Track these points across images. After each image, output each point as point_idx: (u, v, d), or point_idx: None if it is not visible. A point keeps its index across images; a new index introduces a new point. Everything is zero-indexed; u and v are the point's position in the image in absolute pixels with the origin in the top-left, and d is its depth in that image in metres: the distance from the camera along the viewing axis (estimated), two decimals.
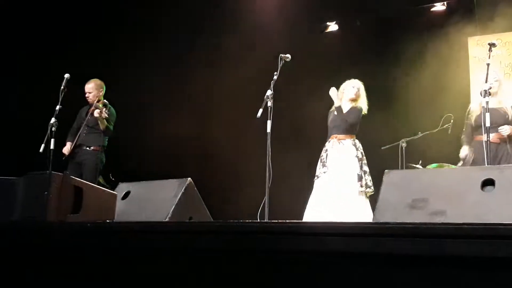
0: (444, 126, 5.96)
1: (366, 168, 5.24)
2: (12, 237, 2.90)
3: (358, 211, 5.04)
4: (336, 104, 5.39)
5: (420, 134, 6.23)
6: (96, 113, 5.80)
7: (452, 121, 5.88)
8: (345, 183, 5.13)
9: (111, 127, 5.96)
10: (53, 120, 5.28)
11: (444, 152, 5.66)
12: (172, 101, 7.71)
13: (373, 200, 4.97)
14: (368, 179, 5.20)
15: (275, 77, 4.57)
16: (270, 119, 4.45)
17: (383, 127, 6.55)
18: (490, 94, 4.51)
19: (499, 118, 4.80)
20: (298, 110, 6.94)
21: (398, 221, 2.36)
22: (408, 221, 2.24)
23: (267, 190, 4.30)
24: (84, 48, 7.41)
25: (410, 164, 5.96)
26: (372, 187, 5.16)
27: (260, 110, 4.42)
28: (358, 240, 2.09)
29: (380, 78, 6.91)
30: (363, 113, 5.43)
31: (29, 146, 5.42)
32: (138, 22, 7.68)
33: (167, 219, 3.58)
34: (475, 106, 5.09)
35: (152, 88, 7.85)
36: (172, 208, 3.65)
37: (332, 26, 7.88)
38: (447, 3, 7.20)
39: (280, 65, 4.64)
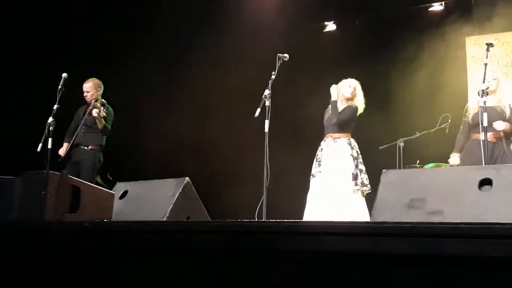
0: (442, 126, 5.97)
1: (362, 166, 5.23)
2: (9, 236, 2.90)
3: (354, 210, 5.04)
4: (333, 98, 5.38)
5: (418, 134, 6.23)
6: (94, 112, 5.79)
7: (449, 121, 5.89)
8: (340, 182, 5.13)
9: (109, 126, 5.95)
10: (50, 119, 5.27)
11: (442, 152, 5.65)
12: (170, 100, 7.71)
13: (370, 199, 4.97)
14: (364, 177, 5.19)
15: (273, 77, 4.56)
16: (268, 119, 4.45)
17: (381, 126, 6.55)
18: (487, 94, 4.52)
19: (496, 117, 4.81)
20: (297, 109, 6.94)
21: (395, 221, 2.36)
22: (405, 221, 2.24)
23: (265, 189, 4.30)
24: (84, 48, 7.41)
25: (412, 165, 5.97)
26: (369, 186, 5.16)
27: (258, 110, 4.42)
28: (355, 240, 2.09)
29: (378, 78, 6.92)
30: (359, 112, 5.43)
31: (29, 146, 5.41)
32: (137, 21, 7.67)
33: (165, 219, 3.58)
34: (473, 104, 5.10)
35: (151, 88, 7.85)
36: (170, 208, 3.65)
37: (330, 26, 7.89)
38: (445, 3, 7.21)
39: (278, 64, 4.64)
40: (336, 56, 7.40)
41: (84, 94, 6.08)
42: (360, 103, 5.43)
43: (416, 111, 6.57)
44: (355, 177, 5.14)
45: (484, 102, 4.43)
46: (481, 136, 4.76)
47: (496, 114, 4.81)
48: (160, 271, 2.52)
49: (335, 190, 5.11)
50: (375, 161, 5.56)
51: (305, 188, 5.39)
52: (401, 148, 6.16)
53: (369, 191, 5.15)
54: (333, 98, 5.38)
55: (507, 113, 4.92)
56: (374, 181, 2.89)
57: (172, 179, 3.90)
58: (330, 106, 5.47)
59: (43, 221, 2.95)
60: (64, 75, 5.42)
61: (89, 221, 3.04)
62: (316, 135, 5.68)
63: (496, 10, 6.54)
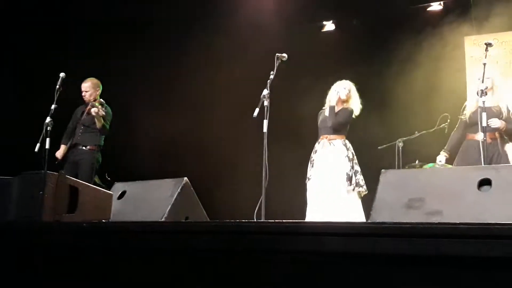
0: (441, 126, 5.96)
1: (357, 167, 5.24)
2: (7, 237, 2.89)
3: (349, 210, 5.06)
4: (331, 103, 5.38)
5: (416, 134, 6.23)
6: (93, 111, 5.78)
7: (448, 121, 5.89)
8: (336, 183, 5.15)
9: (107, 126, 5.94)
10: (48, 119, 5.26)
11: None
12: (168, 100, 7.70)
13: (368, 199, 4.97)
14: (359, 178, 5.20)
15: (271, 77, 4.56)
16: (266, 119, 4.44)
17: (380, 126, 6.55)
18: (486, 94, 4.52)
19: (493, 117, 4.81)
20: (295, 109, 6.93)
21: (394, 221, 2.36)
22: (404, 221, 2.24)
23: (263, 189, 4.29)
24: (83, 48, 7.40)
25: (411, 165, 5.97)
26: (364, 187, 5.17)
27: (257, 110, 4.41)
28: (354, 240, 2.09)
29: (377, 78, 6.92)
30: (355, 114, 5.43)
31: (27, 146, 5.40)
32: (135, 21, 7.66)
33: (163, 219, 3.57)
34: (471, 103, 5.11)
35: (148, 88, 7.85)
36: (168, 208, 3.64)
37: (329, 26, 7.88)
38: (443, 3, 7.22)
39: (276, 64, 4.63)
40: (335, 56, 7.40)
41: (83, 94, 6.08)
42: (355, 105, 5.43)
43: (415, 111, 6.57)
44: (349, 178, 5.15)
45: (483, 102, 4.44)
46: (478, 136, 4.81)
47: (492, 114, 4.82)
48: (159, 271, 2.52)
49: (332, 190, 5.12)
50: (374, 161, 5.56)
51: (304, 188, 5.39)
52: (400, 148, 6.16)
53: (366, 192, 5.16)
54: (331, 103, 5.38)
55: (504, 113, 4.93)
56: (373, 181, 2.88)
57: (171, 179, 3.89)
58: (324, 108, 5.48)
59: (41, 221, 2.94)
60: (62, 75, 5.40)
61: (87, 221, 3.04)
62: (315, 135, 5.67)
63: (495, 9, 6.54)
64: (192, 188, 3.88)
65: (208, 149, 7.54)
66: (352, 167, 5.20)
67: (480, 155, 4.63)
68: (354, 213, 5.06)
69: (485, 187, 2.55)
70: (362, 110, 5.52)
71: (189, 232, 2.51)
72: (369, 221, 2.69)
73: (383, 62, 7.03)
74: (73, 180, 3.24)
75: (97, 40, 7.50)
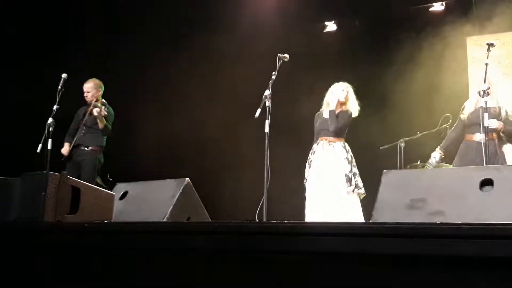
0: (443, 126, 5.96)
1: (356, 170, 5.27)
2: (9, 237, 2.89)
3: (349, 211, 5.09)
4: (331, 107, 5.39)
5: (418, 134, 6.23)
6: (95, 112, 5.79)
7: (450, 121, 5.89)
8: (335, 184, 5.17)
9: (110, 126, 5.95)
10: (50, 120, 5.28)
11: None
12: (170, 101, 7.71)
13: (369, 200, 4.98)
14: (358, 180, 5.24)
15: (273, 77, 4.56)
16: (268, 119, 4.45)
17: (382, 127, 6.55)
18: (488, 94, 4.52)
19: (492, 118, 4.81)
20: (297, 109, 6.93)
21: (396, 221, 2.35)
22: (406, 221, 2.23)
23: (265, 190, 4.30)
24: (83, 48, 7.41)
25: (413, 165, 5.96)
26: (363, 189, 5.21)
27: (259, 110, 4.42)
28: (356, 241, 2.08)
29: (379, 78, 6.91)
30: (354, 116, 5.44)
31: (29, 147, 5.41)
32: (136, 21, 7.67)
33: (165, 219, 3.57)
34: (470, 103, 5.12)
35: (150, 88, 7.85)
36: (170, 208, 3.64)
37: (331, 26, 7.88)
38: (445, 3, 7.22)
39: (278, 65, 4.64)
40: (337, 56, 7.40)
41: (85, 95, 6.09)
42: (353, 107, 5.45)
43: (417, 111, 6.57)
44: (349, 179, 5.17)
45: (485, 102, 4.44)
46: (476, 136, 4.84)
47: (491, 115, 4.80)
48: (161, 272, 2.52)
49: (332, 191, 5.14)
50: (376, 162, 5.56)
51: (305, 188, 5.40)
52: (402, 148, 6.16)
53: (364, 195, 5.19)
54: (331, 106, 5.38)
55: (503, 115, 4.93)
56: (375, 181, 2.88)
57: (172, 180, 3.89)
58: (322, 110, 5.49)
59: (43, 222, 2.94)
60: (64, 75, 5.43)
61: (89, 222, 3.04)
62: None
63: (497, 10, 6.53)
64: (193, 189, 3.88)
65: (210, 150, 7.54)
66: (351, 169, 5.23)
67: (478, 156, 4.66)
68: (354, 214, 5.09)
69: (487, 187, 2.54)
70: (364, 111, 5.53)
71: (191, 232, 2.51)
72: (370, 221, 2.68)
73: (385, 62, 7.03)
74: (75, 180, 3.24)
75: (97, 40, 7.51)
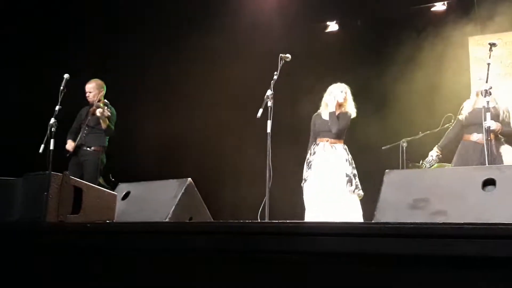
0: (445, 126, 5.96)
1: (355, 171, 5.31)
2: (11, 238, 2.89)
3: (350, 211, 5.12)
4: (331, 109, 5.39)
5: (421, 134, 6.23)
6: (98, 112, 5.79)
7: (452, 121, 5.88)
8: (336, 184, 5.19)
9: (112, 127, 5.95)
10: (52, 120, 5.29)
11: (448, 150, 5.65)
12: (171, 101, 7.71)
13: (371, 200, 5.00)
14: (358, 181, 5.28)
15: (275, 77, 4.57)
16: (270, 119, 4.45)
17: (384, 127, 6.55)
18: (490, 94, 4.52)
19: (490, 118, 4.80)
20: (299, 110, 6.93)
21: (399, 221, 2.35)
22: (408, 221, 2.23)
23: (267, 190, 4.30)
24: (83, 48, 7.41)
25: (413, 163, 5.96)
26: (362, 191, 5.24)
27: (260, 110, 4.42)
28: (359, 241, 2.08)
29: (381, 78, 6.91)
30: (352, 117, 5.45)
31: (31, 147, 5.41)
32: (136, 21, 7.68)
33: (167, 219, 3.57)
34: (468, 104, 5.13)
35: (151, 88, 7.85)
36: (172, 209, 3.63)
37: (333, 26, 7.88)
38: (447, 3, 7.21)
39: (280, 65, 4.64)
40: (339, 56, 7.40)
41: (87, 95, 6.09)
42: (352, 109, 5.47)
43: (419, 111, 6.57)
44: (350, 180, 5.21)
45: (487, 102, 4.44)
46: (473, 137, 4.89)
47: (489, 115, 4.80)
48: (163, 272, 2.52)
49: (332, 191, 5.15)
50: (378, 162, 5.56)
51: None
52: (404, 148, 6.16)
53: (361, 197, 5.23)
54: (331, 108, 5.38)
55: (501, 115, 4.92)
56: (377, 181, 2.88)
57: (175, 180, 3.88)
58: (320, 111, 5.50)
59: (45, 222, 2.94)
60: (66, 76, 5.43)
61: (91, 222, 3.04)
62: None
63: (499, 9, 6.53)
64: (196, 189, 3.87)
65: (212, 150, 7.54)
66: (352, 171, 5.27)
67: (475, 156, 4.70)
68: (355, 214, 5.12)
69: (490, 187, 2.54)
70: (366, 111, 5.54)
71: (193, 232, 2.51)
72: (373, 221, 2.68)
73: (387, 62, 7.03)
74: (77, 181, 3.24)
75: (97, 40, 7.51)
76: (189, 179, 3.83)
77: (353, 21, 7.71)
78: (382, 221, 2.58)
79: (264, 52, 6.61)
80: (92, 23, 7.52)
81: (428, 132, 6.16)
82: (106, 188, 3.85)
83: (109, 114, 5.81)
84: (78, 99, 6.14)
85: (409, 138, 6.23)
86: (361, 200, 5.25)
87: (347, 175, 5.19)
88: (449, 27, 6.81)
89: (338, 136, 5.35)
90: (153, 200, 3.80)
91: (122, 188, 4.04)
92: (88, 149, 5.93)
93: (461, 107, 5.24)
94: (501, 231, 1.86)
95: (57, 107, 5.34)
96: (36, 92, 6.72)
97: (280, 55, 4.69)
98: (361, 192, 5.23)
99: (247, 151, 6.91)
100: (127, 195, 3.95)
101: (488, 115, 4.42)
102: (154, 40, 7.85)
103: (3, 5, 6.98)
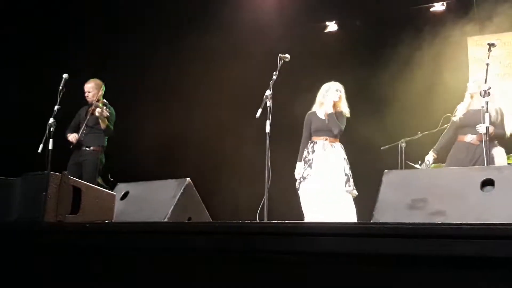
0: (444, 127, 5.96)
1: (350, 171, 5.32)
2: (9, 238, 2.89)
3: (349, 211, 5.15)
4: (328, 110, 5.38)
5: (419, 134, 6.23)
6: (97, 112, 5.79)
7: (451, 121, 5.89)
8: (336, 184, 5.21)
9: (111, 127, 5.95)
10: (51, 120, 5.29)
11: (443, 153, 5.65)
12: (170, 101, 7.71)
13: (364, 201, 5.04)
14: (352, 181, 5.28)
15: (274, 77, 4.57)
16: (269, 119, 4.45)
17: (383, 127, 6.55)
18: (489, 95, 4.52)
19: (481, 120, 4.80)
20: (298, 110, 6.93)
21: (397, 222, 2.35)
22: (407, 222, 2.23)
23: (266, 190, 4.30)
24: (83, 48, 7.41)
25: (410, 163, 5.97)
26: (355, 190, 5.26)
27: (260, 110, 4.42)
28: (358, 241, 2.08)
29: (380, 78, 6.91)
30: (347, 116, 5.48)
31: (30, 147, 5.41)
32: (136, 21, 7.68)
33: (166, 220, 3.57)
34: (462, 105, 5.14)
35: (151, 88, 7.85)
36: (171, 209, 3.64)
37: (332, 26, 7.88)
38: (446, 3, 7.22)
39: (279, 65, 4.64)
40: (338, 56, 7.40)
41: (86, 95, 6.09)
42: (346, 108, 5.48)
43: (417, 111, 6.57)
44: (348, 179, 5.24)
45: (486, 102, 4.44)
46: (467, 138, 4.96)
47: (480, 117, 4.79)
48: (161, 272, 2.52)
49: (332, 191, 5.16)
50: (376, 162, 5.56)
51: None
52: (403, 148, 6.16)
53: (355, 196, 5.26)
54: (327, 109, 5.38)
55: (493, 116, 4.91)
56: (376, 181, 2.88)
57: (173, 180, 3.88)
58: (314, 110, 5.52)
59: (44, 222, 2.94)
60: (65, 75, 5.43)
61: (90, 222, 3.03)
62: None
63: (498, 10, 6.54)
64: (194, 189, 3.88)
65: (211, 150, 7.54)
66: (348, 170, 5.31)
67: (468, 157, 4.74)
68: (351, 214, 5.13)
69: (488, 188, 2.54)
70: (365, 110, 5.56)
71: (192, 232, 2.51)
72: (372, 221, 2.68)
73: (386, 62, 7.02)
74: (76, 180, 3.24)
75: (97, 40, 7.51)
76: (188, 179, 3.83)
77: (352, 21, 7.72)
78: (381, 221, 2.58)
79: (263, 52, 6.62)
80: (92, 23, 7.52)
81: (427, 132, 6.16)
82: (105, 188, 3.85)
83: (108, 114, 5.81)
84: (78, 99, 6.13)
85: (408, 138, 6.24)
86: (360, 200, 5.26)
87: (346, 174, 5.22)
88: (448, 28, 6.81)
89: (337, 136, 5.38)
90: (152, 200, 3.80)
91: (121, 188, 4.04)
92: (87, 149, 5.93)
93: (455, 109, 5.26)
94: (500, 231, 1.86)
95: (56, 107, 5.34)
96: (36, 92, 6.71)
97: (279, 55, 4.69)
98: (355, 192, 5.26)
99: (246, 151, 6.91)
100: (126, 195, 3.96)
101: (487, 115, 4.42)
102: (154, 40, 7.85)
103: (3, 5, 6.98)
